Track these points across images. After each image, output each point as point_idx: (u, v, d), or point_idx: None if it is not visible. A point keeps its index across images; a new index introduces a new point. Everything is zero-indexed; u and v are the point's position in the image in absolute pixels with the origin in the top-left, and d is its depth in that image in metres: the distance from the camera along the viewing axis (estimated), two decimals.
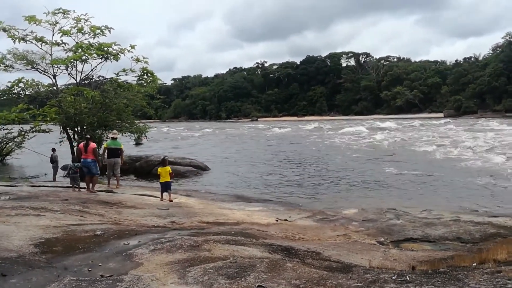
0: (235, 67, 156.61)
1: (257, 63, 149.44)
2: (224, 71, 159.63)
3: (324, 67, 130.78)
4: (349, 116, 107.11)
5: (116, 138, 13.16)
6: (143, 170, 18.96)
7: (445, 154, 22.73)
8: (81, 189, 11.57)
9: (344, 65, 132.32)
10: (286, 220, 9.06)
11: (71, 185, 11.81)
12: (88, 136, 12.42)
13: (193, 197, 12.03)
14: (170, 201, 10.60)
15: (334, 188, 14.69)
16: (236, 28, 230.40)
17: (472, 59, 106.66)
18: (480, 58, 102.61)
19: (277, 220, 8.95)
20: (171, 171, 11.08)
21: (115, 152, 12.71)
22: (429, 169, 17.88)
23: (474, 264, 5.03)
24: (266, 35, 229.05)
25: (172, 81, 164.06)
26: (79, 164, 11.63)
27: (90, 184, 11.51)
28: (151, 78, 19.01)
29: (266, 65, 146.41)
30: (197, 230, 6.98)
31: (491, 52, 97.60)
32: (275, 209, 10.53)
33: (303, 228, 8.20)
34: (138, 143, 31.54)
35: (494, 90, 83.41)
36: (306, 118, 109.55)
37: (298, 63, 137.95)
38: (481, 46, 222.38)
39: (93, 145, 11.53)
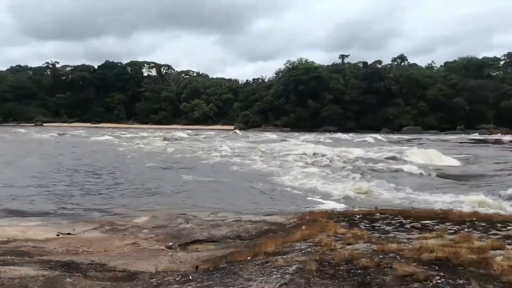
0: (19, 65, 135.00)
1: (47, 63, 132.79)
2: (4, 69, 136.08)
3: (124, 74, 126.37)
4: (148, 125, 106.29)
5: None
6: None
7: (232, 162, 24.91)
8: None
9: (145, 74, 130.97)
10: (69, 233, 8.30)
11: None
12: None
13: None
14: None
15: (126, 197, 14.23)
16: (23, 22, 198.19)
17: (260, 80, 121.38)
18: (266, 80, 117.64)
19: (58, 235, 8.11)
20: None
21: None
22: (218, 176, 19.28)
23: (249, 258, 5.66)
24: (60, 34, 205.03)
25: None
26: None
27: None
28: None
29: (58, 66, 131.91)
30: None
31: (274, 75, 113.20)
32: (56, 222, 9.51)
33: (88, 241, 7.68)
34: None
35: (275, 108, 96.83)
36: (101, 125, 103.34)
37: (96, 68, 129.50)
38: (267, 70, 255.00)
39: None
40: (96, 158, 27.32)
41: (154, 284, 4.73)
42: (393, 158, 23.51)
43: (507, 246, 5.24)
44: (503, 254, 4.82)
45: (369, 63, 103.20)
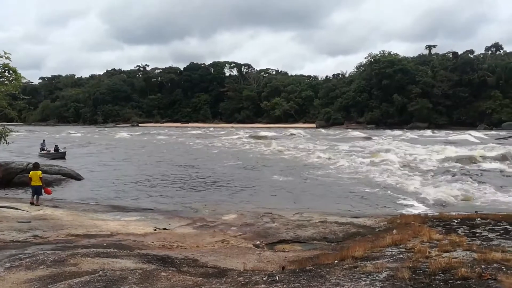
0: (114, 69, 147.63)
1: (138, 66, 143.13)
2: (101, 72, 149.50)
3: (208, 75, 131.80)
4: (232, 124, 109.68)
5: None
6: (2, 179, 16.66)
7: (318, 161, 24.63)
8: None
9: (227, 74, 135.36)
10: (165, 229, 8.86)
11: None
12: None
13: (61, 208, 11.00)
14: (37, 205, 10.84)
15: (214, 195, 14.85)
16: (115, 28, 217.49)
17: (340, 75, 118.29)
18: (347, 75, 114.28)
19: (155, 230, 8.70)
20: (41, 176, 11.30)
21: None
22: (302, 176, 19.20)
23: (336, 261, 5.55)
24: (148, 38, 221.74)
25: (40, 80, 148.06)
26: None
27: None
28: (14, 76, 16.89)
29: (148, 68, 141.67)
30: (63, 244, 6.43)
31: (355, 70, 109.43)
32: (154, 218, 10.21)
33: (182, 236, 8.12)
34: None
35: (358, 104, 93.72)
36: (190, 124, 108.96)
37: (182, 69, 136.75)
38: (347, 64, 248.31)
39: None
40: (190, 156, 28.92)
41: (242, 282, 4.82)
42: (499, 158, 21.08)
43: None
44: None
45: (459, 53, 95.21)
